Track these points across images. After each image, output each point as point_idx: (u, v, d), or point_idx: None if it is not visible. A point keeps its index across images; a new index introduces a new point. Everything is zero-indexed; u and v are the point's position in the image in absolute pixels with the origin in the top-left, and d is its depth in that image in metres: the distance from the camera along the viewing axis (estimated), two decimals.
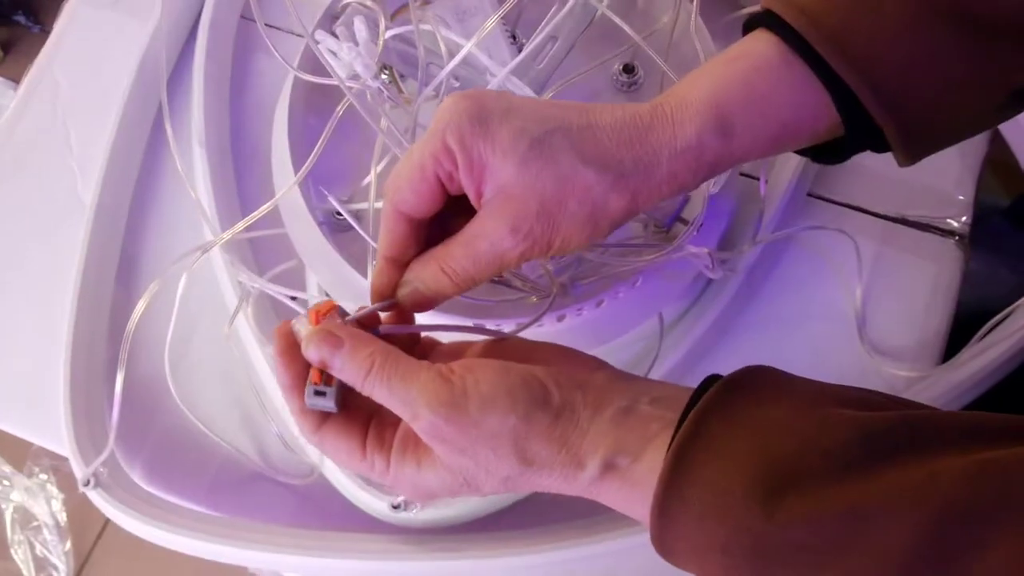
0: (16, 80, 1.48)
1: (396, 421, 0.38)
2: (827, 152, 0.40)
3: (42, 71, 0.70)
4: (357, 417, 0.38)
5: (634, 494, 0.35)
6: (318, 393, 0.36)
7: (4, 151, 0.67)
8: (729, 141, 0.36)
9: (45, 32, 0.73)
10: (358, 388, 0.36)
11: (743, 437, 0.32)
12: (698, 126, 0.36)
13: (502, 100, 0.36)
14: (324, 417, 0.38)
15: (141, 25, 0.67)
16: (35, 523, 1.26)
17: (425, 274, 0.38)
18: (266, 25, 0.69)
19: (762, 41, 0.37)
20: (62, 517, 1.26)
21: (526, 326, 0.47)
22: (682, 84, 0.38)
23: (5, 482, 1.26)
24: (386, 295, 0.39)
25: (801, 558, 0.30)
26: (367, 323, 0.39)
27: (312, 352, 0.36)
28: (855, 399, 0.34)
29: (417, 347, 0.42)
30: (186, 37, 0.68)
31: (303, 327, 0.37)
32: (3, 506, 1.26)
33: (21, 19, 1.69)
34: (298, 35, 0.67)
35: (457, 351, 0.42)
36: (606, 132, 0.36)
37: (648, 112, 0.37)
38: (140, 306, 0.52)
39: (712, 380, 0.35)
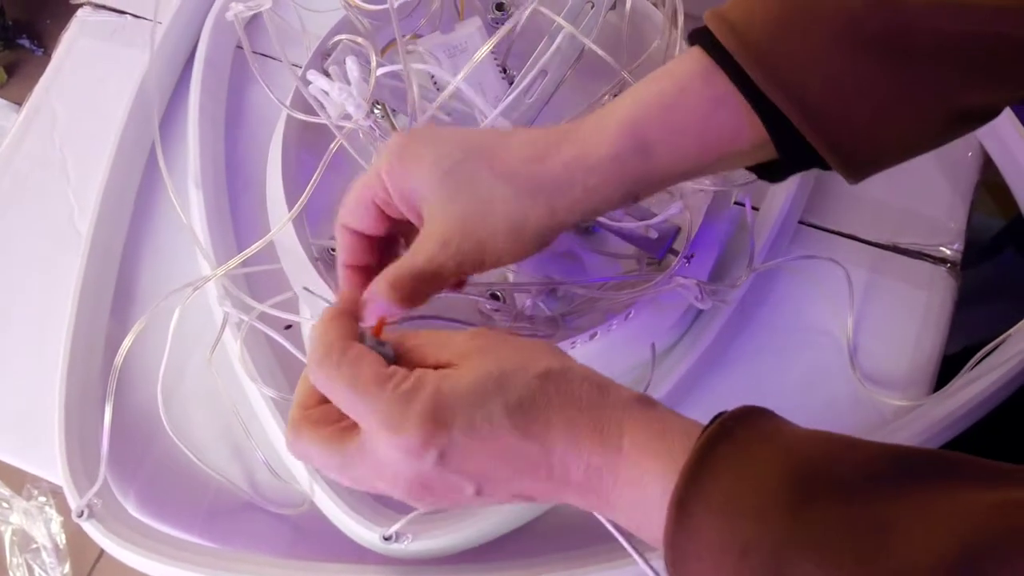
0: (20, 103, 1.49)
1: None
2: (773, 172, 0.41)
3: (40, 100, 0.71)
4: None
5: (662, 442, 0.33)
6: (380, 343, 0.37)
7: (2, 179, 0.68)
8: (648, 159, 0.38)
9: (49, 56, 0.73)
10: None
11: (769, 444, 0.32)
12: (613, 144, 0.38)
13: (427, 134, 0.40)
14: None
15: (139, 55, 0.67)
16: (34, 545, 1.26)
17: (379, 288, 0.40)
18: (262, 55, 0.69)
19: (690, 59, 0.39)
20: (61, 540, 1.26)
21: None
22: (606, 105, 0.40)
23: (4, 505, 1.26)
24: (353, 299, 0.40)
25: (823, 556, 0.29)
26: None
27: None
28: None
29: None
30: (183, 65, 0.69)
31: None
32: (2, 528, 1.26)
33: (25, 42, 1.71)
34: (295, 64, 0.68)
35: None
36: (518, 149, 0.39)
37: (562, 130, 0.39)
38: (127, 342, 0.53)
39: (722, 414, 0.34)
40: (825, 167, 0.39)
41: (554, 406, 0.34)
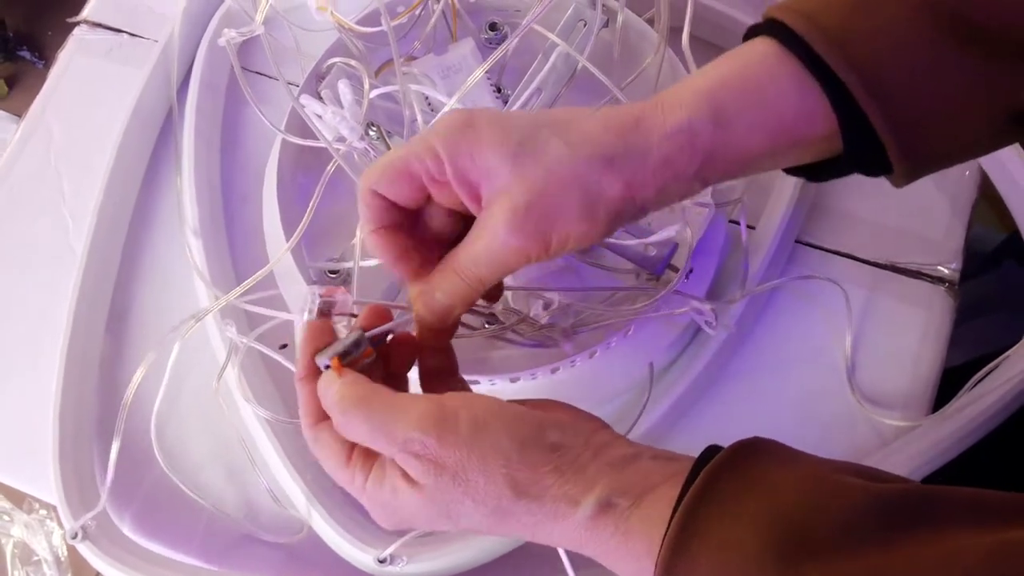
0: (21, 115, 1.49)
1: None
2: (823, 172, 0.40)
3: (37, 118, 0.70)
4: None
5: (626, 545, 0.34)
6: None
7: None
8: (723, 129, 0.36)
9: (49, 68, 0.74)
10: (337, 426, 0.36)
11: (755, 498, 0.32)
12: (690, 111, 0.36)
13: (491, 112, 0.37)
14: (325, 414, 0.38)
15: (135, 74, 0.67)
16: (36, 558, 1.26)
17: (443, 280, 0.38)
18: (258, 73, 0.69)
19: (759, 43, 0.37)
20: (62, 552, 1.26)
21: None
22: (681, 81, 0.38)
23: (5, 517, 1.26)
24: (399, 259, 0.39)
25: None
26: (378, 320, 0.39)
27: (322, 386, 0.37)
28: (861, 472, 0.33)
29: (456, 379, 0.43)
30: (180, 83, 0.69)
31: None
32: (3, 541, 1.26)
33: (26, 54, 1.71)
34: (291, 83, 0.68)
35: None
36: (593, 122, 0.37)
37: (638, 105, 0.37)
38: (137, 376, 0.52)
39: (714, 449, 0.34)
40: (878, 170, 0.37)
41: (512, 528, 0.36)
